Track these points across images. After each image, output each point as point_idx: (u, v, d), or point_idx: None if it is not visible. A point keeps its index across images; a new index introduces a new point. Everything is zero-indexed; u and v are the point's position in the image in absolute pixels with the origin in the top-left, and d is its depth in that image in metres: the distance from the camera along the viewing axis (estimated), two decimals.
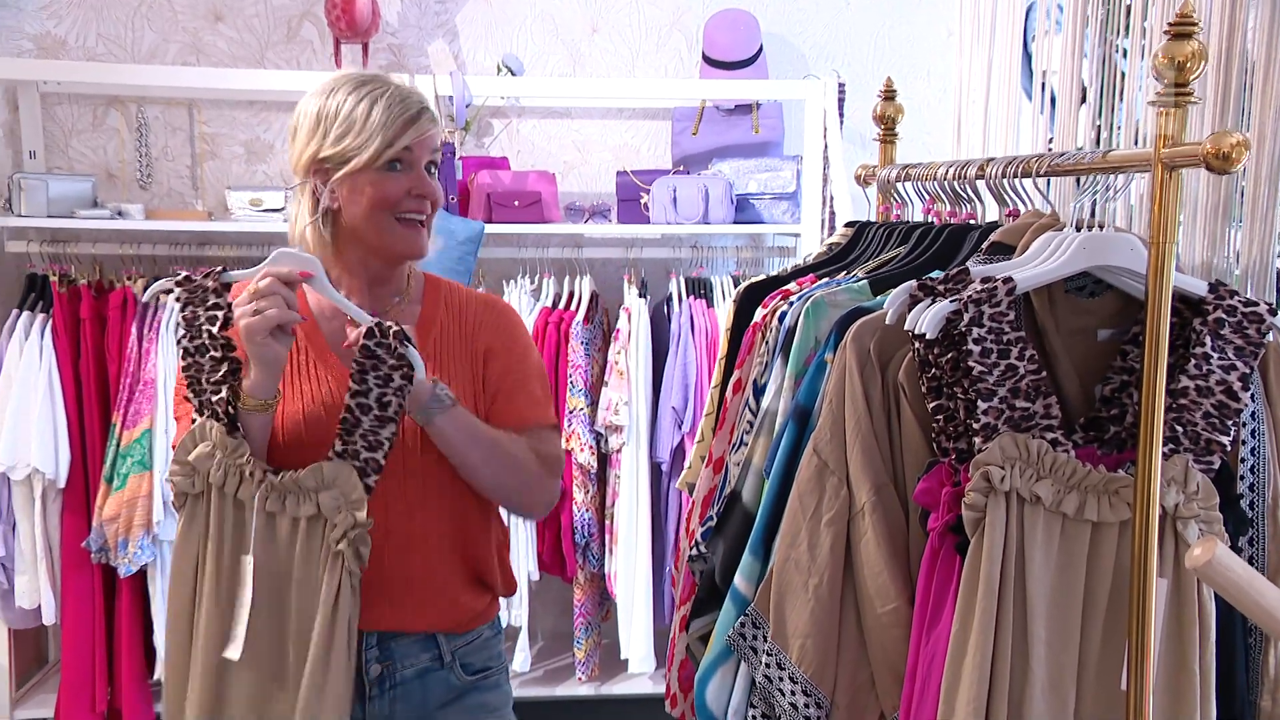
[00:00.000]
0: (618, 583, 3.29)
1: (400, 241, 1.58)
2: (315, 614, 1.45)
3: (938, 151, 3.45)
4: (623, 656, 3.35)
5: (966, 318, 1.31)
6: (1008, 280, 1.32)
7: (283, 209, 3.25)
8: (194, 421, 1.50)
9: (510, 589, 1.74)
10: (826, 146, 3.35)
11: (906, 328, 1.36)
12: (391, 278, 1.65)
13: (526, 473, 1.64)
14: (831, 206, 3.38)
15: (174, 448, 1.53)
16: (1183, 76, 1.18)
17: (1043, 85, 2.27)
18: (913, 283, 1.38)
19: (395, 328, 1.46)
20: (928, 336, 1.33)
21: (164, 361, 3.05)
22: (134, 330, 3.07)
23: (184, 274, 1.47)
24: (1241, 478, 1.37)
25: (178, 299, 1.46)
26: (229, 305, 1.46)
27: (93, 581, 3.11)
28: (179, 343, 1.47)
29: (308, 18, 3.56)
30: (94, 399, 3.09)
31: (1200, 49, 1.17)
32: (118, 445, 3.03)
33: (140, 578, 3.11)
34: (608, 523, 3.33)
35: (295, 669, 1.46)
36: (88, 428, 3.10)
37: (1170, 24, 1.18)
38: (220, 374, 1.45)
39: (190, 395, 1.49)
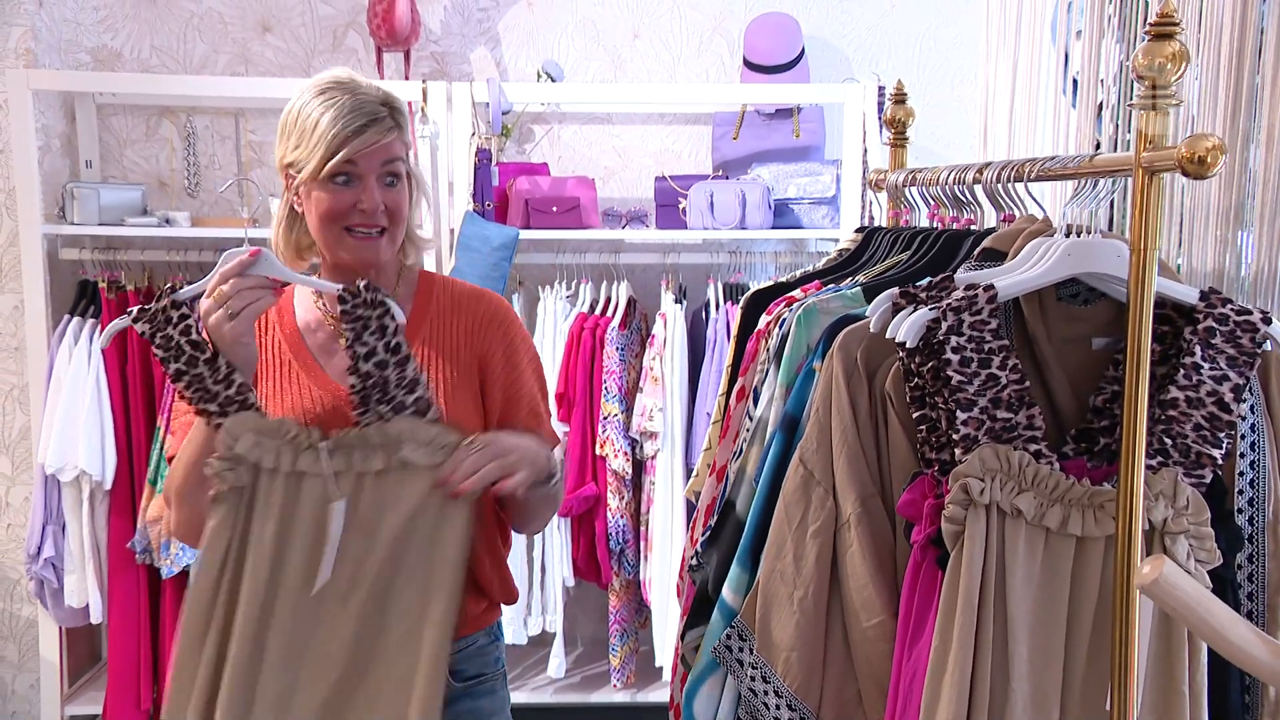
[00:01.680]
0: (652, 589, 3.28)
1: (349, 254, 1.56)
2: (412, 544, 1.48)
3: (979, 155, 3.38)
4: (658, 664, 3.34)
5: (945, 326, 1.28)
6: (989, 288, 1.29)
7: None
8: (217, 428, 1.50)
9: (510, 597, 1.73)
10: (866, 151, 3.31)
11: (887, 336, 1.33)
12: (380, 282, 1.63)
13: (557, 503, 1.72)
14: (871, 211, 3.34)
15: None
16: (1164, 78, 1.14)
17: (1074, 85, 2.21)
18: (894, 290, 1.36)
19: (363, 281, 1.50)
20: (908, 345, 1.30)
21: None
22: None
23: (137, 308, 1.47)
24: (1240, 492, 1.32)
25: (143, 333, 1.47)
26: (196, 315, 1.48)
27: (138, 582, 3.19)
28: (167, 372, 1.47)
29: (353, 27, 3.62)
30: (140, 402, 3.17)
31: (1182, 50, 1.13)
32: (162, 448, 3.10)
33: (183, 578, 3.17)
34: (643, 529, 3.32)
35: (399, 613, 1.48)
36: (134, 431, 3.18)
37: (1150, 24, 1.14)
38: (224, 369, 1.47)
39: (208, 405, 1.48)
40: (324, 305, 1.64)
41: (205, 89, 3.40)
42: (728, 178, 3.45)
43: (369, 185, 1.53)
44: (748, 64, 3.54)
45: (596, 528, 3.29)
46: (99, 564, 3.19)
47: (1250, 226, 1.54)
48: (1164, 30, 1.13)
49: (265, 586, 1.47)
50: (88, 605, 3.19)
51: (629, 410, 3.28)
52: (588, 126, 3.72)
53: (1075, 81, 2.17)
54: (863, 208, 3.34)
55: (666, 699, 3.39)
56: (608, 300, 3.38)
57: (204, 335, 1.48)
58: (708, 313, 3.36)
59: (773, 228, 3.37)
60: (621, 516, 3.27)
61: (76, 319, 3.17)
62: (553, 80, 3.53)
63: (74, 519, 3.16)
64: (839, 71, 3.71)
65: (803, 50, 3.53)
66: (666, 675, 3.33)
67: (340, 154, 1.50)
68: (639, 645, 3.49)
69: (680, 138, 3.74)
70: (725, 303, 3.34)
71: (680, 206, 3.39)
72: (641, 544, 3.33)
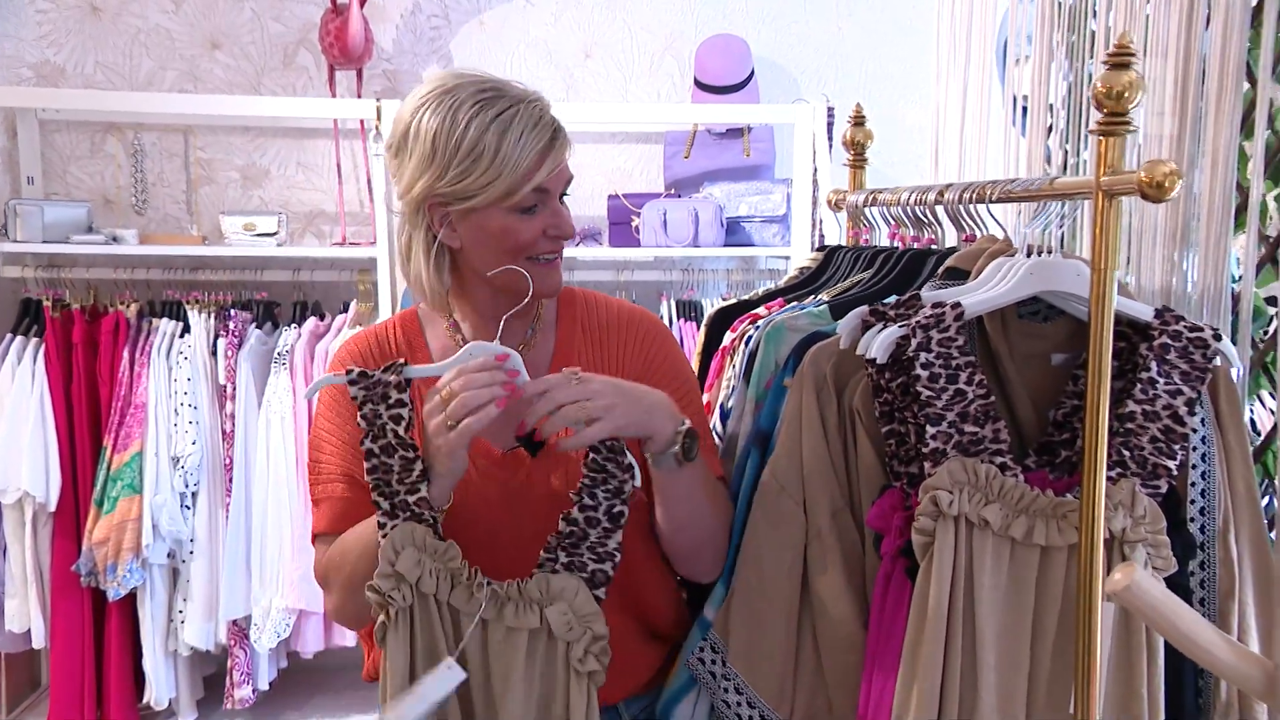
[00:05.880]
0: None
1: (538, 283, 1.39)
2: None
3: (929, 176, 3.46)
4: None
5: (914, 343, 1.32)
6: (956, 306, 1.33)
7: (275, 234, 3.28)
8: (381, 526, 1.33)
9: None
10: (816, 170, 3.37)
11: (858, 353, 1.37)
12: (525, 311, 1.46)
13: (726, 534, 1.51)
14: (821, 229, 3.40)
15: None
16: (1121, 105, 1.19)
17: (1022, 110, 2.28)
18: (864, 308, 1.39)
19: (616, 441, 1.34)
20: (878, 361, 1.34)
21: (154, 385, 3.08)
22: (125, 354, 3.10)
23: (357, 370, 1.35)
24: (1192, 502, 1.37)
25: (354, 397, 1.34)
26: (411, 405, 1.34)
27: (82, 605, 3.13)
28: (362, 441, 1.34)
29: (304, 44, 3.60)
30: (85, 422, 3.12)
31: (1138, 79, 1.18)
32: (108, 469, 3.06)
33: (129, 601, 3.13)
34: None
35: None
36: (79, 451, 3.12)
37: (1109, 54, 1.19)
38: (414, 474, 1.33)
39: (380, 499, 1.33)
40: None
41: (153, 105, 3.36)
42: (680, 196, 3.50)
43: (557, 207, 1.39)
44: (699, 84, 3.59)
45: None
46: (41, 587, 3.13)
47: (1195, 247, 1.60)
48: (1121, 60, 1.18)
49: None
50: (29, 630, 3.13)
51: None
52: None
53: (1022, 107, 2.24)
54: (813, 226, 3.40)
55: None
56: None
57: (410, 434, 1.33)
58: None
59: (724, 245, 3.41)
60: None
61: (20, 338, 3.12)
62: None
63: (15, 541, 3.10)
64: (788, 92, 3.77)
65: (752, 71, 3.59)
66: None
67: (534, 179, 1.33)
68: None
69: (632, 156, 3.78)
70: (678, 320, 3.37)
71: (633, 224, 3.42)
72: None
